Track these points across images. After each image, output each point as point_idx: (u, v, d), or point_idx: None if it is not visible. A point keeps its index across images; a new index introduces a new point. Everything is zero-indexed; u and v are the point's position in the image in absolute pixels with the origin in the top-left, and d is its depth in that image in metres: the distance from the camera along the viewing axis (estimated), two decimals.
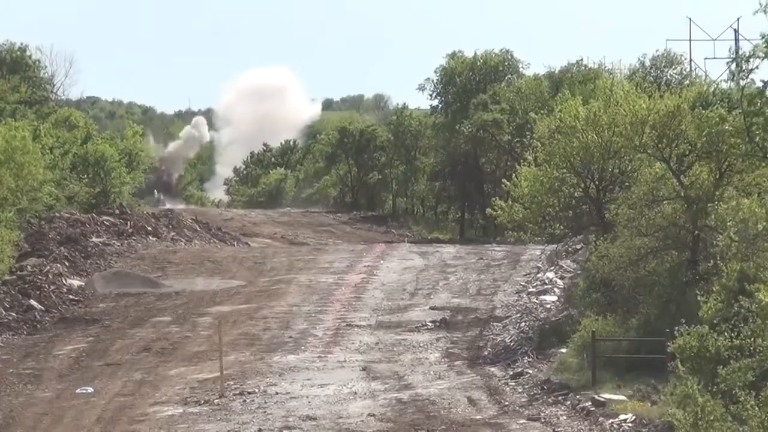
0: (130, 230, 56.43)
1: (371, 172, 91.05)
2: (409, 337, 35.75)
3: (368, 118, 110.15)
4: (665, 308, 28.95)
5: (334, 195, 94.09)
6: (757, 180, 30.17)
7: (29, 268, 44.01)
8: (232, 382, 29.99)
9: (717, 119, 28.78)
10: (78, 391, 29.92)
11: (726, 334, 23.69)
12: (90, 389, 30.02)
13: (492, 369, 31.48)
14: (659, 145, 31.51)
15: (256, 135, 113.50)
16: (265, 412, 27.32)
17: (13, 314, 39.14)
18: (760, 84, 23.25)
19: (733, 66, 22.85)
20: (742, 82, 23.31)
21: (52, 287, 42.49)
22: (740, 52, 23.05)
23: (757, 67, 22.92)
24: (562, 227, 39.28)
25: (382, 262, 50.23)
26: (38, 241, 48.78)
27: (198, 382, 30.40)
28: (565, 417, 26.43)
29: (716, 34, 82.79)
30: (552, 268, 43.93)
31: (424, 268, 48.54)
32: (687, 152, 31.17)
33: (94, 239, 52.23)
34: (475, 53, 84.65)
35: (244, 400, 28.35)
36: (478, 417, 26.64)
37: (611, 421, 25.50)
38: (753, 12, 22.68)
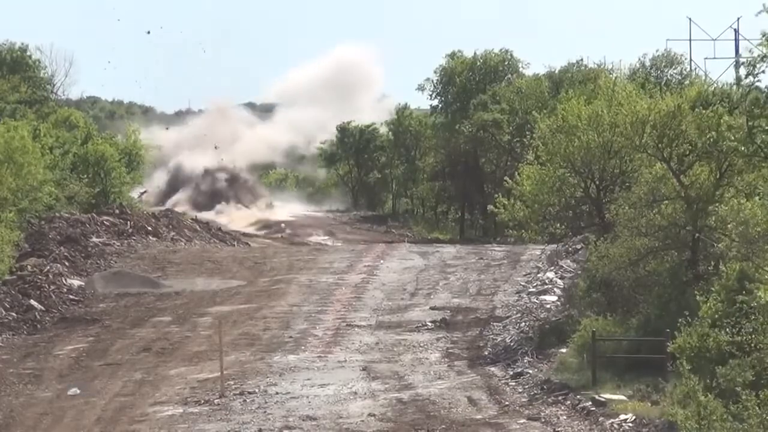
0: (130, 230, 56.44)
1: (371, 172, 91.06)
2: (410, 337, 35.75)
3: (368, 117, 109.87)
4: (665, 308, 28.95)
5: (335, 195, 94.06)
6: (758, 180, 30.15)
7: (29, 268, 43.99)
8: (232, 382, 29.99)
9: (724, 127, 28.71)
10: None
11: (727, 330, 23.71)
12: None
13: (492, 369, 31.50)
14: (659, 145, 31.50)
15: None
16: (265, 412, 27.33)
17: (14, 314, 39.13)
18: (764, 88, 23.27)
19: (739, 69, 22.92)
20: (745, 82, 23.31)
21: (52, 287, 42.49)
22: (746, 55, 23.06)
23: (762, 71, 22.93)
24: (562, 227, 39.29)
25: (382, 262, 50.23)
26: (38, 241, 48.76)
27: (198, 382, 30.40)
28: (565, 417, 26.44)
29: (716, 34, 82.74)
30: (552, 268, 43.93)
31: (424, 268, 48.54)
32: (687, 152, 31.16)
33: (94, 239, 52.22)
34: (475, 53, 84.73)
35: (245, 400, 28.35)
36: (479, 417, 26.65)
37: (611, 421, 25.51)
38: (755, 13, 22.70)
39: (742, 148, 26.69)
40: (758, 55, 22.75)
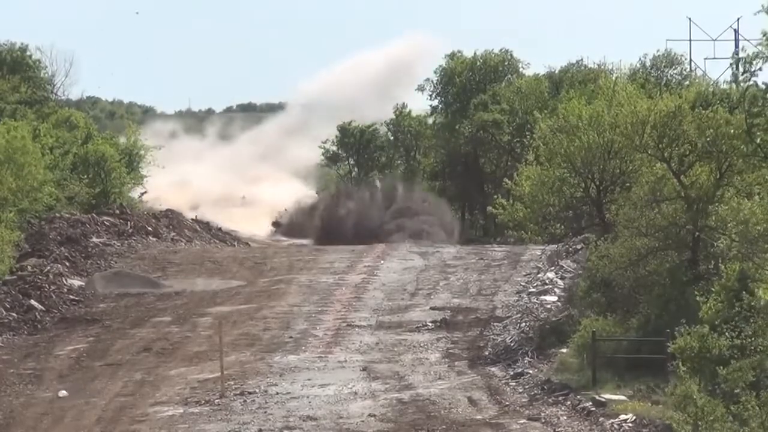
0: (131, 230, 56.43)
1: (371, 172, 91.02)
2: (410, 337, 35.74)
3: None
4: (665, 308, 28.97)
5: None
6: (758, 180, 30.20)
7: (30, 268, 43.99)
8: (232, 382, 30.00)
9: (721, 122, 28.75)
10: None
11: (727, 334, 23.71)
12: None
13: (492, 369, 31.50)
14: (660, 146, 31.52)
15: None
16: (265, 412, 27.34)
17: (14, 314, 39.15)
18: (761, 85, 23.25)
19: (737, 67, 22.89)
20: (743, 83, 23.31)
21: (53, 287, 42.49)
22: (742, 53, 23.05)
23: (760, 69, 22.93)
24: (562, 227, 39.32)
25: (382, 262, 50.19)
26: (39, 241, 48.77)
27: (198, 382, 30.40)
28: (565, 417, 26.44)
29: (716, 34, 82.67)
30: (552, 268, 43.89)
31: (425, 268, 48.50)
32: (687, 152, 31.18)
33: (94, 239, 52.22)
34: (475, 53, 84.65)
35: (245, 401, 28.36)
36: (479, 417, 26.66)
37: (611, 421, 25.51)
38: (754, 13, 22.71)
39: (742, 147, 26.72)
40: (753, 53, 22.76)
